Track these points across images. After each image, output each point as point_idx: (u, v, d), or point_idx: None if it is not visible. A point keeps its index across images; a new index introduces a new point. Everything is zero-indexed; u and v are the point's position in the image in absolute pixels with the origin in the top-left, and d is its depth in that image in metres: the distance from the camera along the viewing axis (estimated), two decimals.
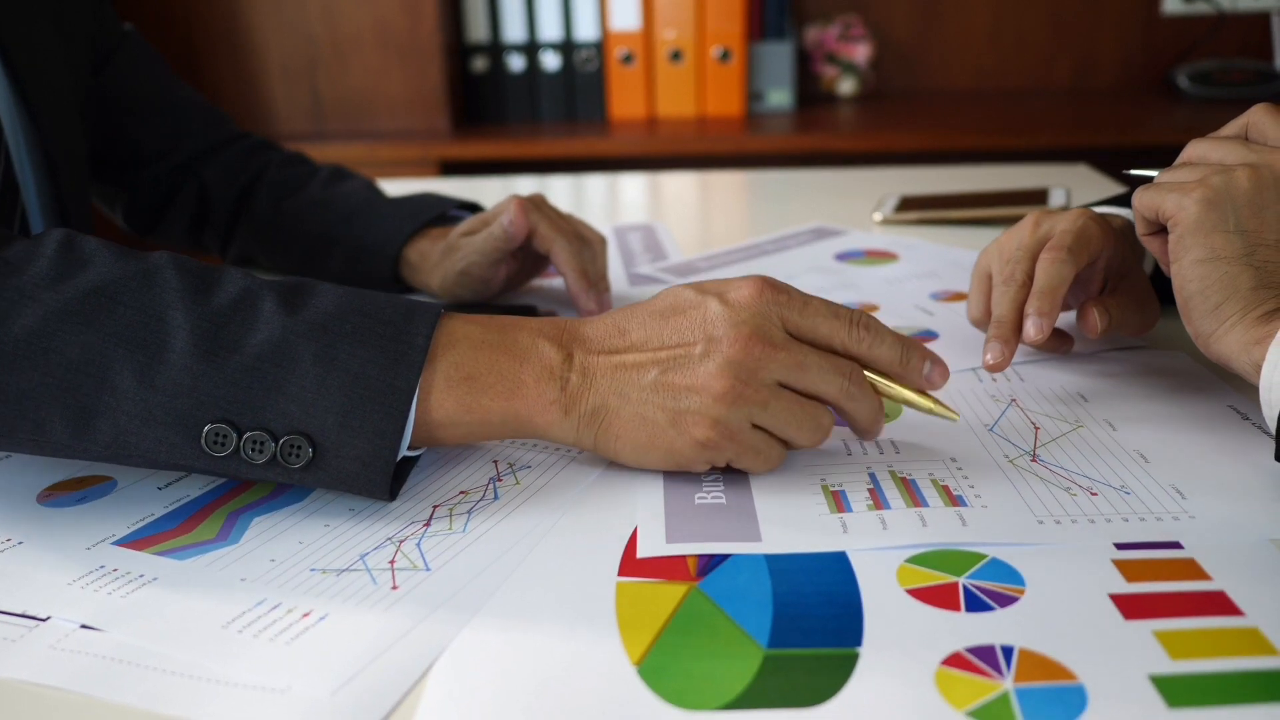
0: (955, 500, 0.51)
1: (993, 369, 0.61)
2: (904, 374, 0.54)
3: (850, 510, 0.50)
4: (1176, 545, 0.46)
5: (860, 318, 0.54)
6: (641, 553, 0.48)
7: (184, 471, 0.56)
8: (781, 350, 0.52)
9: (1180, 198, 0.55)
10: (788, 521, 0.50)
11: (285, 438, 0.49)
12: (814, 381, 0.52)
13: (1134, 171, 0.63)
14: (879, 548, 0.47)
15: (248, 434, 0.49)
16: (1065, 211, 0.66)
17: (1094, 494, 0.51)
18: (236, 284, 0.52)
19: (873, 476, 0.53)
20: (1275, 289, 0.52)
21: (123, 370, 0.49)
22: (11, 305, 0.50)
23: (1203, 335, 0.54)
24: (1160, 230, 0.58)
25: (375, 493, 0.51)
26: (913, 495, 0.51)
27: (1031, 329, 0.61)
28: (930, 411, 0.55)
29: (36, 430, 0.50)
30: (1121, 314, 0.65)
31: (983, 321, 0.68)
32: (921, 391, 0.55)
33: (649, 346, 0.53)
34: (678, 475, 0.55)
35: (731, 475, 0.54)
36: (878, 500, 0.51)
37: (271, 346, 0.50)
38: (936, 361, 0.55)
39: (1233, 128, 0.60)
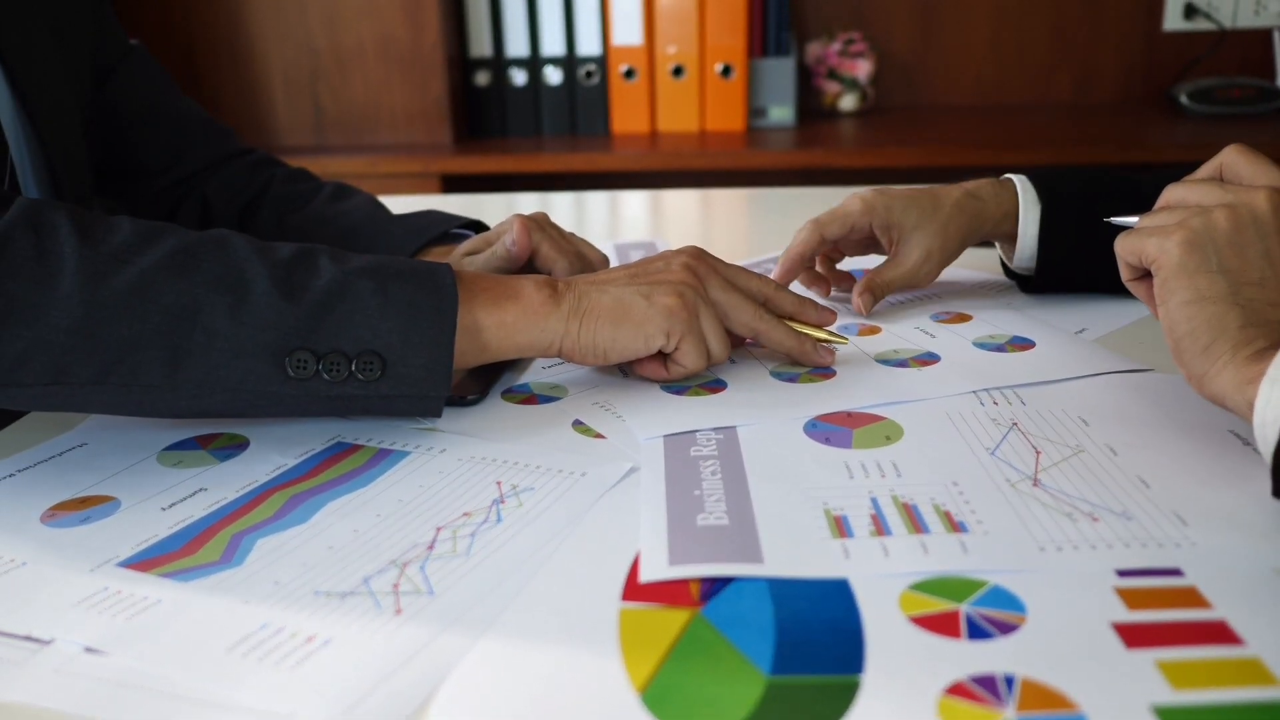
0: (957, 526, 0.51)
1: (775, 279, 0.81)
2: (801, 315, 0.72)
3: (852, 536, 0.50)
4: (1177, 573, 0.46)
5: (769, 282, 0.72)
6: (645, 576, 0.48)
7: (264, 408, 0.61)
8: (718, 275, 0.69)
9: (1161, 241, 0.56)
10: (790, 544, 0.50)
11: (358, 357, 0.58)
12: (736, 303, 0.68)
13: (1114, 220, 0.66)
14: (880, 575, 0.47)
15: (325, 356, 0.58)
16: (861, 190, 0.83)
17: (1095, 519, 0.51)
18: (290, 246, 0.61)
19: (874, 502, 0.54)
20: (1261, 326, 0.53)
21: (215, 311, 0.57)
22: (108, 266, 0.56)
23: (1196, 376, 0.55)
24: (1145, 275, 0.60)
25: (436, 396, 0.61)
26: (914, 521, 0.51)
27: (855, 303, 0.83)
28: (824, 340, 0.72)
29: (130, 374, 0.56)
30: (885, 286, 0.83)
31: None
32: (817, 326, 0.73)
33: (620, 271, 0.69)
34: (680, 498, 0.55)
35: (734, 498, 0.55)
36: (879, 526, 0.51)
37: (336, 286, 0.59)
38: (826, 310, 0.73)
39: (1207, 170, 0.62)
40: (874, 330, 0.80)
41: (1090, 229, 0.76)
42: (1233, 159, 0.61)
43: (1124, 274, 0.62)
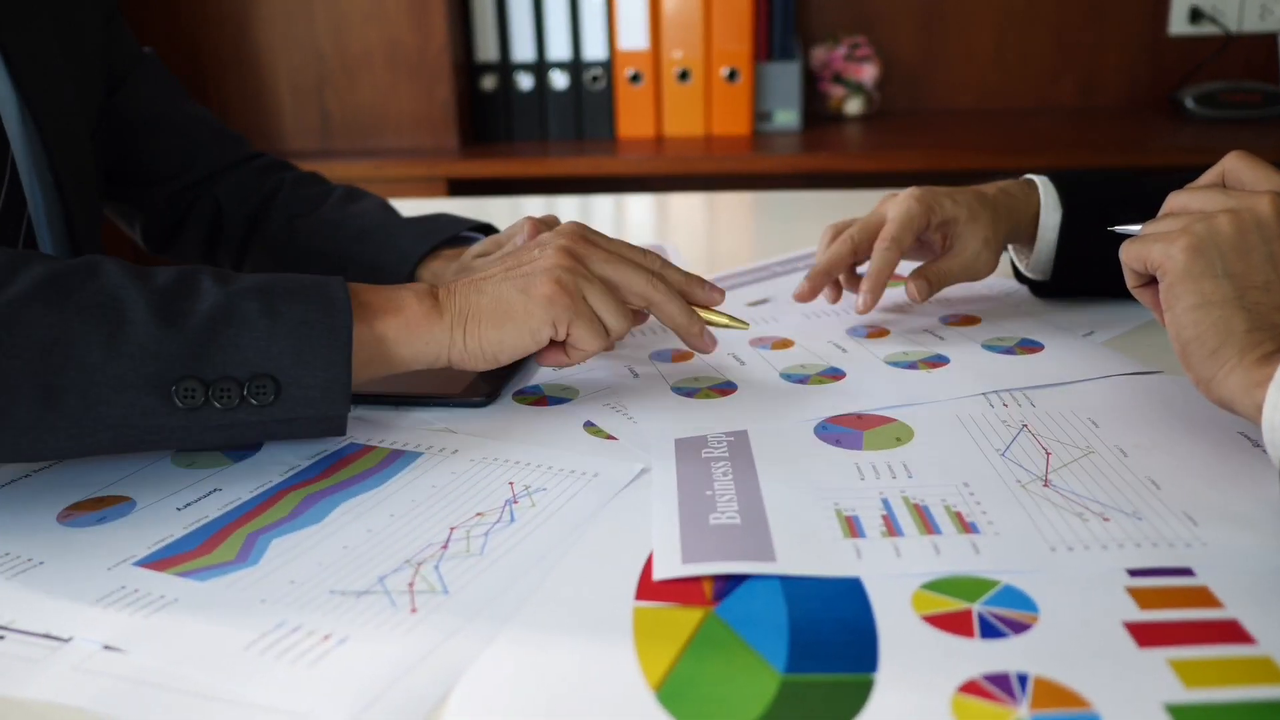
0: (968, 527, 0.51)
1: (797, 298, 0.81)
2: (689, 293, 0.69)
3: (864, 536, 0.51)
4: (1189, 572, 0.47)
5: (656, 256, 0.69)
6: (658, 574, 0.48)
7: (154, 443, 0.57)
8: (600, 249, 0.66)
9: (1166, 247, 0.56)
10: (802, 544, 0.50)
11: (249, 381, 0.56)
12: (626, 274, 0.66)
13: (1118, 228, 0.67)
14: (892, 575, 0.47)
15: (214, 384, 0.55)
16: (900, 193, 0.80)
17: (1106, 520, 0.51)
18: (170, 270, 0.59)
19: (885, 503, 0.54)
20: (1269, 330, 0.53)
21: (90, 343, 0.53)
22: None
23: (1204, 380, 0.55)
24: (1151, 281, 0.61)
25: (336, 416, 0.59)
26: (925, 522, 0.52)
27: (860, 303, 0.79)
28: (724, 325, 0.70)
29: (1, 415, 0.53)
30: (944, 275, 0.80)
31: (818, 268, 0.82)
32: (709, 309, 0.70)
33: (497, 266, 0.66)
34: (692, 498, 0.55)
35: (746, 498, 0.55)
36: (891, 526, 0.51)
37: (220, 309, 0.56)
38: (715, 287, 0.70)
39: (1209, 177, 0.62)
40: (883, 333, 0.81)
41: (1110, 236, 0.76)
42: (1234, 165, 0.61)
43: (1129, 281, 0.62)
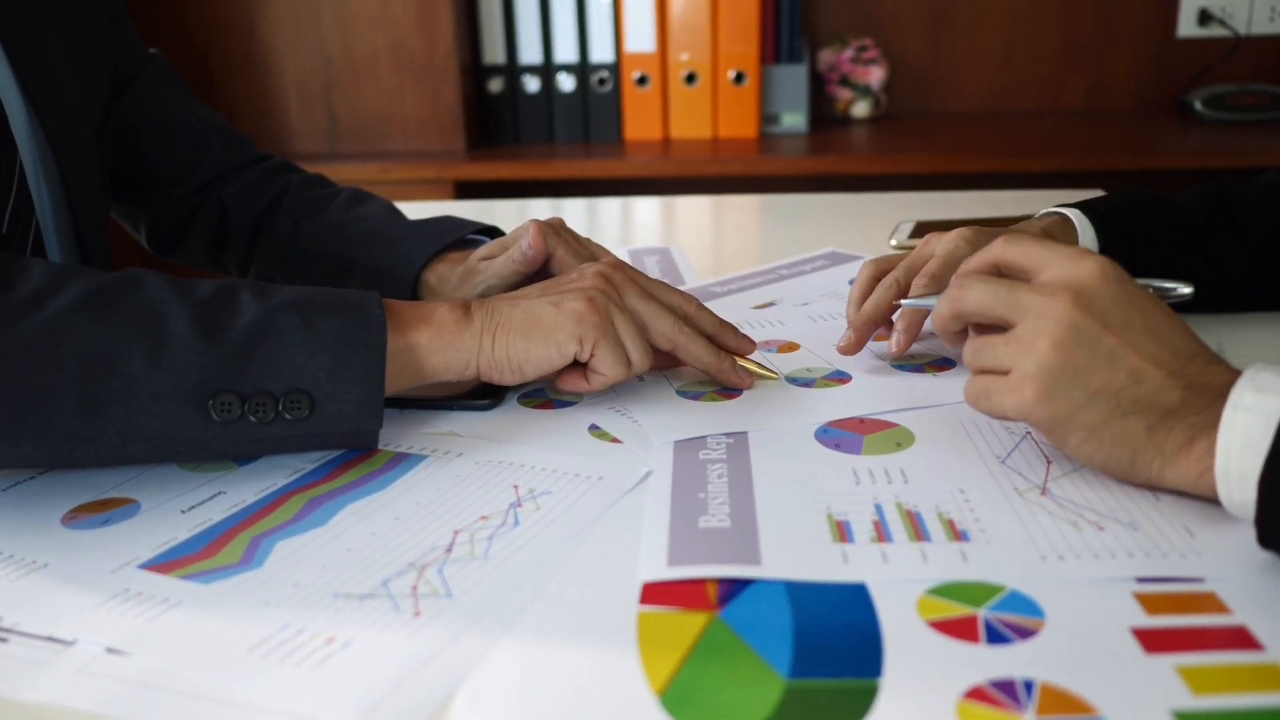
0: (959, 535, 0.51)
1: (842, 352, 0.74)
2: (720, 339, 0.70)
3: (853, 541, 0.50)
4: (1197, 579, 0.46)
5: (691, 300, 0.70)
6: (643, 575, 0.49)
7: (189, 454, 0.60)
8: (635, 285, 0.68)
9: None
10: (789, 548, 0.50)
11: (285, 396, 0.57)
12: (654, 313, 0.67)
13: (906, 302, 0.70)
14: (878, 581, 0.47)
15: (250, 398, 0.56)
16: (947, 233, 0.73)
17: (1101, 529, 0.51)
18: (210, 283, 0.60)
19: (878, 508, 0.54)
20: (1165, 416, 0.51)
21: (132, 356, 0.54)
22: (19, 311, 0.54)
23: (1148, 484, 0.53)
24: (962, 330, 0.61)
25: (369, 430, 0.60)
26: (916, 529, 0.51)
27: (892, 344, 0.72)
28: (754, 374, 0.70)
29: (46, 425, 0.54)
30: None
31: (852, 314, 0.75)
32: (742, 357, 0.70)
33: (535, 287, 0.68)
34: (685, 499, 0.55)
35: (738, 501, 0.55)
36: (880, 532, 0.51)
37: (259, 323, 0.57)
38: (746, 337, 0.71)
39: (979, 262, 0.60)
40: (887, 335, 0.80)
41: (1142, 270, 0.74)
42: (1007, 255, 0.58)
43: (950, 340, 0.63)
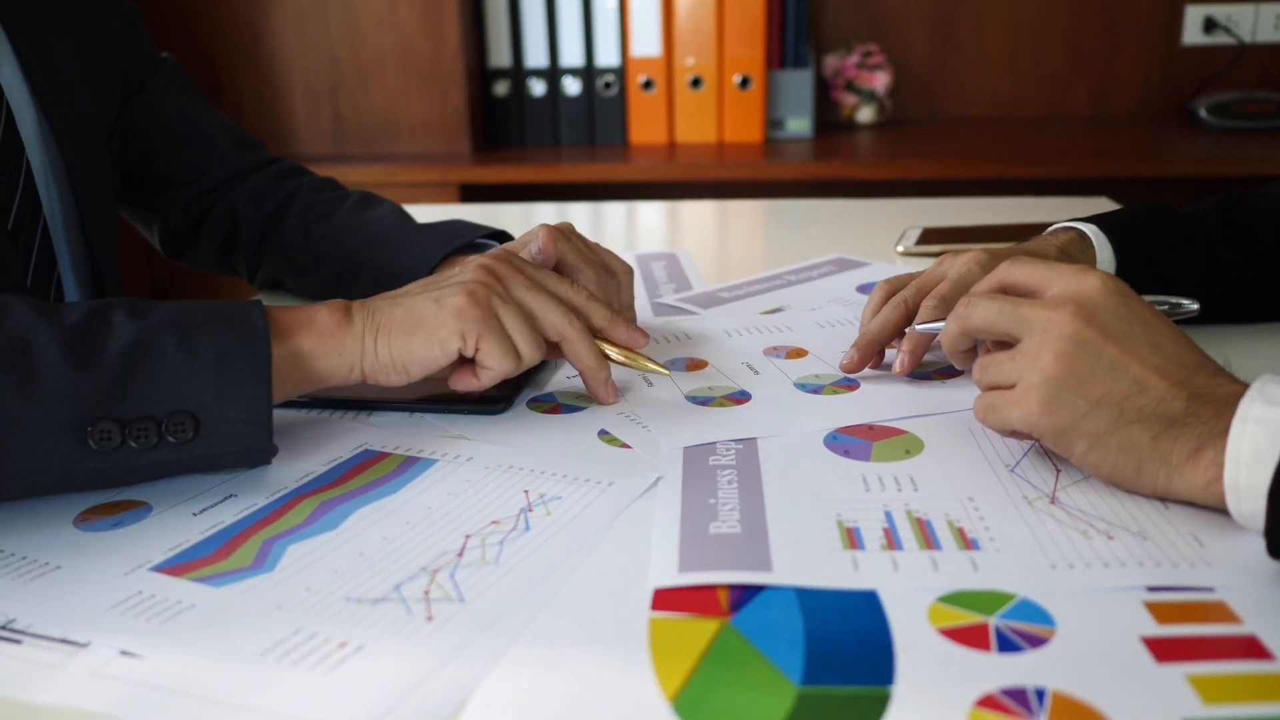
0: (969, 543, 0.51)
1: (844, 370, 0.73)
2: (610, 333, 0.69)
3: (863, 548, 0.51)
4: (1207, 588, 0.46)
5: (581, 290, 0.69)
6: (653, 581, 0.49)
7: (72, 485, 0.57)
8: (522, 275, 0.66)
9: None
10: (799, 554, 0.50)
11: (167, 419, 0.55)
12: (543, 304, 0.65)
13: (918, 326, 0.70)
14: (891, 589, 0.47)
15: (130, 424, 0.54)
16: (962, 255, 0.72)
17: (1111, 538, 0.51)
18: (80, 307, 0.57)
19: (888, 515, 0.54)
20: (1170, 425, 0.52)
21: (3, 390, 0.52)
22: None
23: (1154, 494, 0.53)
24: (971, 348, 0.63)
25: (260, 447, 0.58)
26: (926, 537, 0.52)
27: (897, 365, 0.71)
28: (644, 369, 0.70)
29: None
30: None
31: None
32: (632, 351, 0.69)
33: (418, 284, 0.67)
34: (695, 505, 0.55)
35: (748, 507, 0.55)
36: (891, 540, 0.51)
37: (134, 345, 0.55)
38: (640, 330, 0.70)
39: (988, 285, 0.60)
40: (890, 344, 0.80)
41: (1160, 283, 0.73)
42: (1013, 276, 0.59)
43: (959, 361, 0.65)
